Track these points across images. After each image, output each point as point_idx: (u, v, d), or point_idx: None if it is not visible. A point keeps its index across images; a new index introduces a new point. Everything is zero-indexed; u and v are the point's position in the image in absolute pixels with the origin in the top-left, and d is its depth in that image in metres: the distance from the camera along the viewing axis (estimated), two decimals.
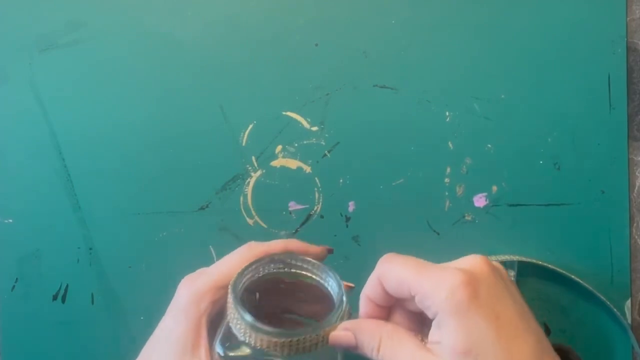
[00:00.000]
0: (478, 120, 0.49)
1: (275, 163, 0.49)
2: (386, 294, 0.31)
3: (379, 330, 0.31)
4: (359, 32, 0.49)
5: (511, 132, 0.49)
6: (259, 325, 0.31)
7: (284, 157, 0.49)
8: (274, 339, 0.31)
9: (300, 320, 0.38)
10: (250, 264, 0.34)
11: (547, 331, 0.49)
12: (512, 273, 0.48)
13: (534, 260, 0.48)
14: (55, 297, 0.50)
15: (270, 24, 0.49)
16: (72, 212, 0.50)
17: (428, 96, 0.49)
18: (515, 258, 0.48)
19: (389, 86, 0.49)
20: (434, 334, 0.29)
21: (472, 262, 0.30)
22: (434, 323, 0.29)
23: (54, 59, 0.50)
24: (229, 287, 0.33)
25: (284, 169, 0.49)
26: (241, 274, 0.34)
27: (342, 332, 0.31)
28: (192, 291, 0.35)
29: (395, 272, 0.31)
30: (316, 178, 0.49)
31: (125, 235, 0.49)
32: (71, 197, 0.50)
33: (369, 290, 0.32)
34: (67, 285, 0.50)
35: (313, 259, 0.36)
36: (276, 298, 0.38)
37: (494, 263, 0.31)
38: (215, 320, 0.35)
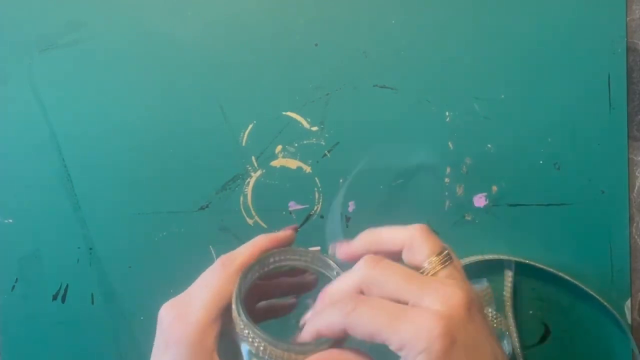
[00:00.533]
0: (478, 120, 0.49)
1: (275, 163, 0.49)
2: (344, 336, 0.30)
3: None
4: (359, 32, 0.49)
5: (511, 132, 0.49)
6: (276, 341, 0.30)
7: (284, 157, 0.49)
8: (294, 355, 0.30)
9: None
10: (244, 278, 0.34)
11: (547, 331, 0.49)
12: (510, 273, 0.48)
13: (533, 263, 0.48)
14: (55, 297, 0.50)
15: (270, 24, 0.49)
16: (72, 212, 0.50)
17: (428, 96, 0.49)
18: (514, 258, 0.48)
19: (389, 86, 0.49)
20: None
21: (450, 299, 0.28)
22: None
23: (54, 59, 0.50)
24: (236, 312, 0.32)
25: (284, 169, 0.49)
26: (239, 294, 0.32)
27: None
28: (191, 326, 0.31)
29: (366, 324, 0.28)
30: (316, 178, 0.49)
31: (125, 235, 0.49)
32: (71, 197, 0.50)
33: (323, 330, 0.30)
34: (67, 285, 0.50)
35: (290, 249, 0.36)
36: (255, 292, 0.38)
37: (471, 293, 0.29)
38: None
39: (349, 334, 0.29)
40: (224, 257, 0.34)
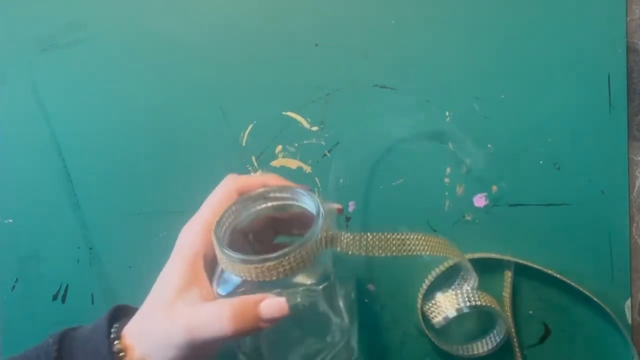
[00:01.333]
0: (478, 120, 0.49)
1: (275, 163, 0.49)
2: None
3: None
4: (359, 32, 0.49)
5: (511, 132, 0.49)
6: (243, 257, 0.32)
7: (284, 157, 0.49)
8: (258, 266, 0.32)
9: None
10: (230, 207, 0.36)
11: (547, 331, 0.49)
12: (510, 274, 0.48)
13: (533, 264, 0.48)
14: (55, 297, 0.50)
15: (270, 24, 0.49)
16: (72, 212, 0.50)
17: (428, 96, 0.49)
18: (513, 259, 0.48)
19: (389, 86, 0.49)
20: None
21: None
22: None
23: (54, 59, 0.50)
24: (212, 231, 0.35)
25: (284, 169, 0.49)
26: (221, 218, 0.35)
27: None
28: (185, 235, 0.37)
29: None
30: (316, 178, 0.49)
31: (125, 235, 0.49)
32: (71, 197, 0.50)
33: None
34: (67, 285, 0.50)
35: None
36: (270, 233, 0.40)
37: None
38: (214, 260, 0.36)
39: None
40: (233, 175, 0.39)
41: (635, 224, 0.49)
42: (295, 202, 0.37)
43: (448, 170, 0.49)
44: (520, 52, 0.49)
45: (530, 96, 0.49)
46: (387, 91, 0.49)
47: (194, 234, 0.36)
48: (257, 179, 0.38)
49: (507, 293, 0.48)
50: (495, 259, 0.48)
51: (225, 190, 0.38)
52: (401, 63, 0.49)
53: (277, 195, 0.37)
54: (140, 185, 0.49)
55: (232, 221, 0.36)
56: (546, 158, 0.49)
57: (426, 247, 0.36)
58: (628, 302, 0.48)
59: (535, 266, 0.48)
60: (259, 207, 0.38)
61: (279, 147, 0.49)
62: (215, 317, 0.32)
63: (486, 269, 0.48)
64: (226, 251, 0.33)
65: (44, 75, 0.50)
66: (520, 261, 0.48)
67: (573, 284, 0.47)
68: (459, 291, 0.45)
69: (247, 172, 0.49)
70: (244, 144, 0.49)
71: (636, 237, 0.49)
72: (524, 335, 0.49)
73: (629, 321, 0.48)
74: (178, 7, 0.49)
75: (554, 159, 0.49)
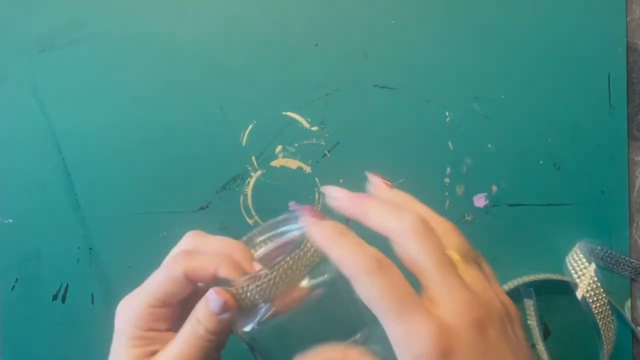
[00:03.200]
0: (478, 120, 0.49)
1: (275, 163, 0.49)
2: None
3: None
4: (359, 32, 0.49)
5: (511, 132, 0.49)
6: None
7: (284, 157, 0.49)
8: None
9: None
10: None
11: (547, 331, 0.49)
12: (531, 302, 0.48)
13: (549, 276, 0.48)
14: (55, 297, 0.50)
15: (270, 24, 0.49)
16: (72, 212, 0.50)
17: (428, 96, 0.49)
18: (529, 279, 0.48)
19: (389, 86, 0.49)
20: None
21: (459, 308, 0.26)
22: None
23: (54, 59, 0.50)
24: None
25: (284, 169, 0.49)
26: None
27: None
28: (126, 319, 0.34)
29: (373, 290, 0.26)
30: (316, 178, 0.49)
31: (125, 235, 0.49)
32: (71, 197, 0.50)
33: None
34: (67, 285, 0.50)
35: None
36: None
37: (492, 307, 0.27)
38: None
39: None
40: (179, 256, 0.33)
41: (635, 224, 0.49)
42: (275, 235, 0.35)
43: (448, 170, 0.49)
44: (520, 52, 0.49)
45: (530, 96, 0.49)
46: (387, 91, 0.49)
47: (131, 318, 0.33)
48: (210, 262, 0.31)
49: (532, 321, 0.48)
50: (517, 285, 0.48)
51: (171, 272, 0.32)
52: (401, 63, 0.49)
53: (261, 240, 0.35)
54: (140, 185, 0.49)
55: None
56: (546, 158, 0.49)
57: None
58: (628, 302, 0.48)
59: (547, 277, 0.48)
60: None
61: (279, 147, 0.49)
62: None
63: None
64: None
65: (44, 75, 0.50)
66: (535, 278, 0.48)
67: (572, 283, 0.47)
68: None
69: (247, 172, 0.49)
70: (244, 144, 0.49)
71: (636, 237, 0.49)
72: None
73: (629, 321, 0.48)
74: (178, 7, 0.49)
75: (554, 159, 0.49)
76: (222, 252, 0.32)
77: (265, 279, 0.30)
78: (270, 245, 0.35)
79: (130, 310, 0.33)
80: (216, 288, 0.30)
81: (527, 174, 0.49)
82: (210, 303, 0.30)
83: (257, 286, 0.30)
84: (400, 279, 0.27)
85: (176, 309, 0.32)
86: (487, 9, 0.49)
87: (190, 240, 0.34)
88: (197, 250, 0.32)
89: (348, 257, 0.28)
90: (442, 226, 0.30)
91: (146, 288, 0.33)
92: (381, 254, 0.28)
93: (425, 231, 0.28)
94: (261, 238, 0.34)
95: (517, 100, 0.49)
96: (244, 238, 0.34)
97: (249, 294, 0.30)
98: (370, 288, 0.26)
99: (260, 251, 0.35)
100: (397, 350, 0.25)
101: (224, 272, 0.31)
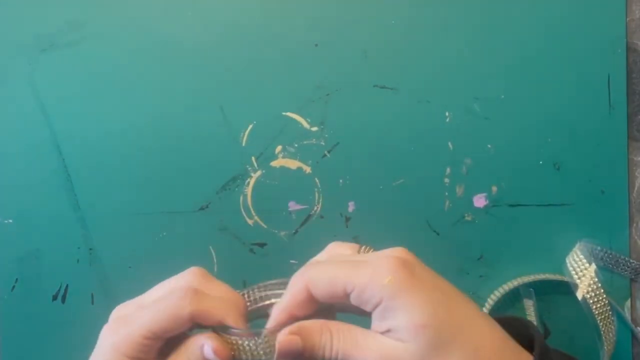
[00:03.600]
0: (478, 120, 0.49)
1: (275, 163, 0.49)
2: (309, 303, 0.30)
3: (327, 328, 0.29)
4: (359, 32, 0.49)
5: (511, 132, 0.49)
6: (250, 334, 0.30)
7: (283, 157, 0.49)
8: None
9: None
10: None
11: (547, 331, 0.49)
12: (531, 302, 0.48)
13: (546, 276, 0.48)
14: (55, 297, 0.50)
15: (270, 24, 0.49)
16: (72, 212, 0.50)
17: (428, 96, 0.49)
18: (527, 279, 0.48)
19: (389, 86, 0.49)
20: (378, 325, 0.29)
21: (395, 251, 0.30)
22: (376, 315, 0.28)
23: (54, 59, 0.50)
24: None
25: (284, 169, 0.49)
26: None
27: (289, 337, 0.29)
28: (112, 344, 0.32)
29: (326, 274, 0.29)
30: (316, 178, 0.49)
31: (125, 235, 0.49)
32: (71, 197, 0.50)
33: (290, 303, 0.30)
34: (67, 285, 0.50)
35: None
36: None
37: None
38: None
39: (312, 295, 0.29)
40: (117, 319, 0.33)
41: (635, 224, 0.49)
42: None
43: (448, 170, 0.49)
44: (520, 52, 0.49)
45: (530, 96, 0.49)
46: (387, 91, 0.49)
47: (124, 347, 0.31)
48: (220, 308, 0.31)
49: (532, 321, 0.48)
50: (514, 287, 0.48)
51: (177, 309, 0.30)
52: (401, 63, 0.49)
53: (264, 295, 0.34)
54: (140, 185, 0.49)
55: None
56: (546, 158, 0.49)
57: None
58: (628, 302, 0.48)
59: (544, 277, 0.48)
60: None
61: (279, 147, 0.49)
62: None
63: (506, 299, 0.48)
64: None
65: (44, 75, 0.50)
66: (528, 279, 0.48)
67: (572, 284, 0.47)
68: None
69: (247, 172, 0.49)
70: (244, 144, 0.49)
71: (636, 237, 0.49)
72: None
73: (629, 321, 0.48)
74: (178, 7, 0.49)
75: (554, 159, 0.49)
76: (229, 299, 0.32)
77: (271, 337, 0.30)
78: (265, 304, 0.34)
79: (120, 338, 0.31)
80: (218, 338, 0.30)
81: (527, 174, 0.49)
82: (205, 350, 0.30)
83: (264, 342, 0.30)
84: (335, 260, 0.31)
85: (164, 341, 0.31)
86: (487, 9, 0.49)
87: (195, 278, 0.32)
88: (204, 292, 0.31)
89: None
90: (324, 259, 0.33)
91: (144, 319, 0.31)
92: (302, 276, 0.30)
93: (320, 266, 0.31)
94: (260, 295, 0.34)
95: (517, 100, 0.49)
96: (241, 292, 0.33)
97: (252, 347, 0.30)
98: (317, 276, 0.29)
99: (255, 307, 0.34)
100: (369, 291, 0.28)
101: (232, 320, 0.31)
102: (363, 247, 0.32)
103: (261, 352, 0.30)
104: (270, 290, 0.33)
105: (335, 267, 0.29)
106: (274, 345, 0.30)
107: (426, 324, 0.27)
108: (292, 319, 0.30)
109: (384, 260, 0.29)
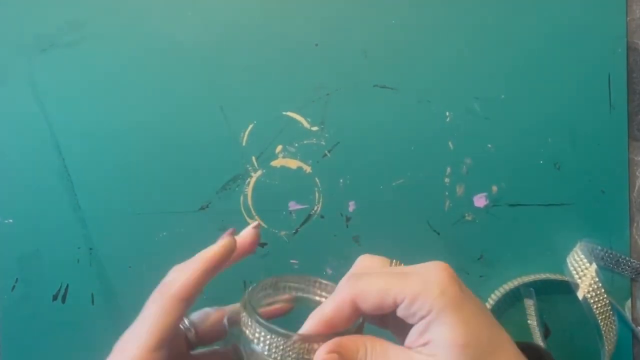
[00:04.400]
0: (478, 120, 0.49)
1: (275, 163, 0.49)
2: (352, 315, 0.30)
3: (363, 343, 0.29)
4: (359, 32, 0.49)
5: (511, 132, 0.49)
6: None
7: (284, 157, 0.49)
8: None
9: None
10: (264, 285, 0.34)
11: (547, 331, 0.49)
12: (531, 302, 0.48)
13: (547, 276, 0.48)
14: (55, 297, 0.50)
15: (270, 24, 0.49)
16: (72, 212, 0.50)
17: (428, 96, 0.49)
18: (528, 279, 0.48)
19: (389, 86, 0.49)
20: (419, 338, 0.28)
21: (440, 264, 0.30)
22: (417, 327, 0.28)
23: (54, 59, 0.50)
24: (247, 320, 0.31)
25: (284, 169, 0.49)
26: (248, 304, 0.32)
27: (329, 356, 0.29)
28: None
29: (377, 285, 0.29)
30: (316, 178, 0.49)
31: (125, 235, 0.49)
32: (71, 197, 0.50)
33: (334, 314, 0.29)
34: (67, 285, 0.50)
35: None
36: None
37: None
38: None
39: (358, 307, 0.29)
40: (162, 285, 0.33)
41: (635, 224, 0.49)
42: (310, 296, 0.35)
43: (448, 170, 0.49)
44: (520, 52, 0.49)
45: (530, 96, 0.49)
46: (387, 91, 0.49)
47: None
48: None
49: (533, 321, 0.48)
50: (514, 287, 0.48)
51: (174, 313, 0.32)
52: (401, 63, 0.49)
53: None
54: (140, 185, 0.49)
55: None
56: (546, 158, 0.49)
57: None
58: (628, 302, 0.48)
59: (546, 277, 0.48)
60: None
61: (279, 147, 0.49)
62: None
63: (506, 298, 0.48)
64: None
65: (44, 75, 0.50)
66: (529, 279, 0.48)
67: (573, 283, 0.47)
68: None
69: (247, 172, 0.49)
70: (244, 144, 0.49)
71: (636, 237, 0.49)
72: (524, 335, 0.49)
73: (629, 321, 0.48)
74: (178, 7, 0.49)
75: (554, 159, 0.49)
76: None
77: (302, 345, 0.30)
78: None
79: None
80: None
81: (527, 174, 0.49)
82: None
83: (295, 347, 0.30)
84: (383, 271, 0.30)
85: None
86: (487, 9, 0.49)
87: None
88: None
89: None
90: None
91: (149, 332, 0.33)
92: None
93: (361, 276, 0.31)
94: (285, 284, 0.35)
95: (517, 100, 0.49)
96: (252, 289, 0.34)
97: (283, 348, 0.30)
98: (365, 289, 0.29)
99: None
100: (419, 302, 0.28)
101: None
102: (394, 261, 0.32)
103: (293, 356, 0.30)
104: (291, 282, 0.34)
105: (385, 277, 0.29)
106: (303, 351, 0.29)
107: (467, 344, 0.27)
108: (329, 329, 0.30)
109: (435, 271, 0.28)
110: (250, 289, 0.33)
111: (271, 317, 0.36)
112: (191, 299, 0.32)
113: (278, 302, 0.35)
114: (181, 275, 0.33)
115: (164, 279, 0.34)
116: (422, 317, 0.28)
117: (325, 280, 0.35)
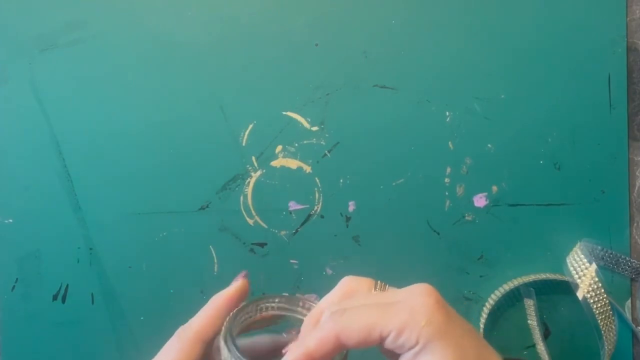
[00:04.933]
0: (478, 120, 0.49)
1: (275, 163, 0.49)
2: (335, 350, 0.29)
3: None
4: (359, 32, 0.49)
5: (511, 132, 0.49)
6: None
7: (284, 157, 0.49)
8: None
9: None
10: (234, 316, 0.33)
11: (547, 331, 0.49)
12: (531, 302, 0.48)
13: (546, 275, 0.48)
14: (55, 297, 0.50)
15: (270, 24, 0.49)
16: (72, 212, 0.50)
17: (428, 96, 0.49)
18: (528, 279, 0.48)
19: (389, 86, 0.49)
20: None
21: (424, 289, 0.29)
22: (407, 357, 0.28)
23: (54, 59, 0.50)
24: (226, 349, 0.31)
25: (284, 169, 0.49)
26: (227, 332, 0.32)
27: None
28: None
29: (360, 322, 0.28)
30: (316, 178, 0.49)
31: (125, 235, 0.49)
32: (71, 197, 0.50)
33: (316, 350, 0.29)
34: (67, 285, 0.50)
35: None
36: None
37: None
38: None
39: (342, 343, 0.28)
40: (180, 328, 0.34)
41: (635, 224, 0.49)
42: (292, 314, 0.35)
43: (448, 170, 0.49)
44: (520, 52, 0.49)
45: (530, 96, 0.49)
46: (387, 91, 0.49)
47: None
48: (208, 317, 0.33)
49: (533, 320, 0.48)
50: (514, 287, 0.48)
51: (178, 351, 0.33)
52: (401, 63, 0.49)
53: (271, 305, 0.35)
54: (140, 185, 0.49)
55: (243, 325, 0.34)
56: (546, 158, 0.49)
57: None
58: (628, 302, 0.48)
59: (546, 276, 0.48)
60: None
61: (279, 147, 0.49)
62: None
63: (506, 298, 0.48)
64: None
65: (44, 75, 0.50)
66: (530, 279, 0.48)
67: (573, 283, 0.47)
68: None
69: (247, 172, 0.49)
70: (244, 144, 0.49)
71: (636, 237, 0.49)
72: (524, 335, 0.49)
73: (629, 321, 0.48)
74: (178, 6, 0.49)
75: (554, 159, 0.49)
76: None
77: None
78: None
79: None
80: None
81: (527, 174, 0.49)
82: None
83: None
84: (366, 304, 0.29)
85: None
86: (487, 9, 0.49)
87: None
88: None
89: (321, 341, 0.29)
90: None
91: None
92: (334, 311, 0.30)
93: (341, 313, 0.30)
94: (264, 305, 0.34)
95: (517, 100, 0.49)
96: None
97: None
98: (350, 325, 0.28)
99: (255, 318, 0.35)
100: (406, 334, 0.28)
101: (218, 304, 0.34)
102: (379, 283, 0.32)
103: None
104: (272, 303, 0.34)
105: (368, 312, 0.28)
106: None
107: None
108: None
109: (421, 298, 0.28)
110: (231, 315, 0.33)
111: (258, 328, 0.36)
112: (209, 340, 0.33)
113: (261, 322, 0.35)
114: (198, 319, 0.34)
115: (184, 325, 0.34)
116: (410, 348, 0.28)
117: (308, 299, 0.34)
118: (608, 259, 0.47)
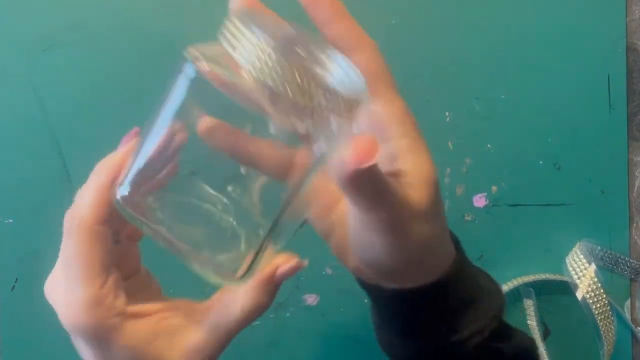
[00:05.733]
0: (478, 120, 0.49)
1: None
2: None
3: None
4: None
5: (511, 132, 0.49)
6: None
7: None
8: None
9: None
10: None
11: (547, 331, 0.49)
12: (531, 302, 0.48)
13: (545, 276, 0.48)
14: None
15: None
16: None
17: (428, 96, 0.49)
18: (528, 279, 0.48)
19: None
20: (389, 166, 0.28)
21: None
22: (388, 151, 0.28)
23: (54, 59, 0.49)
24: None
25: None
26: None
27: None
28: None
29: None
30: None
31: None
32: (71, 197, 0.50)
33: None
34: None
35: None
36: None
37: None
38: None
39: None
40: (67, 214, 0.28)
41: (635, 224, 0.49)
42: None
43: (448, 170, 0.49)
44: (520, 52, 0.49)
45: (530, 96, 0.49)
46: None
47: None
48: None
49: (532, 321, 0.48)
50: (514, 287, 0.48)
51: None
52: (401, 63, 0.49)
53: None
54: None
55: None
56: (546, 158, 0.49)
57: None
58: (628, 302, 0.48)
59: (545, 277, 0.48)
60: None
61: None
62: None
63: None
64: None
65: (44, 75, 0.50)
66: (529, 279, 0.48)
67: (572, 284, 0.47)
68: None
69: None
70: None
71: (636, 237, 0.49)
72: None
73: (629, 321, 0.48)
74: (178, 7, 0.49)
75: (554, 159, 0.49)
76: None
77: None
78: None
79: None
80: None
81: (527, 174, 0.49)
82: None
83: None
84: None
85: None
86: (487, 9, 0.49)
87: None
88: None
89: None
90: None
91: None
92: None
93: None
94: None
95: (517, 100, 0.49)
96: None
97: None
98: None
99: None
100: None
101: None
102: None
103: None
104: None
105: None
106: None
107: (436, 182, 0.28)
108: None
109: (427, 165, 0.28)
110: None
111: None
112: (112, 219, 0.27)
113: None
114: (86, 195, 0.28)
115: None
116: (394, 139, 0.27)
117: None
118: (607, 259, 0.47)
